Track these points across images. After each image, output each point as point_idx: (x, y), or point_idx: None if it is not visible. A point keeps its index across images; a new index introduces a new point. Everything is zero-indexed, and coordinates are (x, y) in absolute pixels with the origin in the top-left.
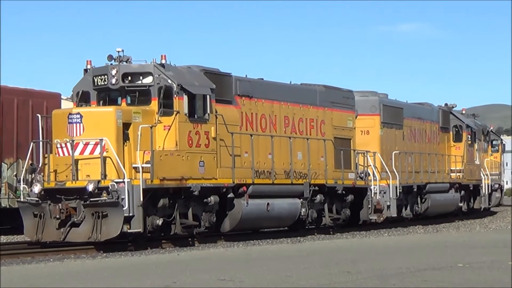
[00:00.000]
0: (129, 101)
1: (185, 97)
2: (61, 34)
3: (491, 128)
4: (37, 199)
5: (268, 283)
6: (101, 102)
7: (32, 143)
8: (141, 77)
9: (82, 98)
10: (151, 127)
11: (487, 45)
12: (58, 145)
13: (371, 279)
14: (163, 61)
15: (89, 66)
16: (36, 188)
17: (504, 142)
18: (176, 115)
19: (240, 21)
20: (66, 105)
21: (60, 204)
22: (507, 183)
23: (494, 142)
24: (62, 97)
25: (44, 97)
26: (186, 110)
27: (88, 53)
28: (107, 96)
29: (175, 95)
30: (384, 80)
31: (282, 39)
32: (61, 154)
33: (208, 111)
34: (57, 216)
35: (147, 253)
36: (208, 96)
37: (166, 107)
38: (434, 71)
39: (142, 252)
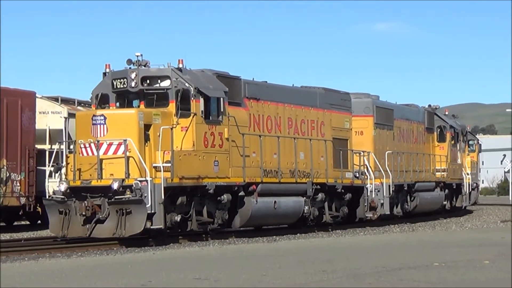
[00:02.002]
0: (146, 104)
1: (201, 100)
2: (57, 35)
3: (468, 128)
4: (62, 196)
5: (244, 282)
6: (118, 104)
7: (57, 143)
8: (159, 81)
9: (101, 101)
10: (171, 128)
11: (461, 44)
12: (82, 145)
13: (347, 278)
14: (180, 65)
15: (107, 70)
16: (62, 186)
17: (480, 142)
18: (193, 117)
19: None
20: (41, 103)
21: (85, 202)
22: (483, 182)
23: (470, 142)
24: (37, 95)
25: (18, 95)
26: (202, 112)
27: (80, 52)
28: (126, 99)
29: (192, 98)
30: (356, 79)
31: (259, 40)
32: (84, 154)
33: (222, 113)
34: (83, 213)
35: (122, 252)
36: (221, 99)
37: (183, 109)
38: (409, 70)
39: (118, 251)
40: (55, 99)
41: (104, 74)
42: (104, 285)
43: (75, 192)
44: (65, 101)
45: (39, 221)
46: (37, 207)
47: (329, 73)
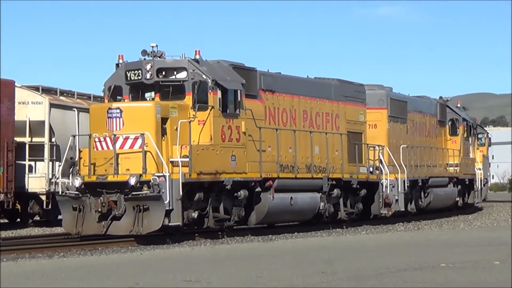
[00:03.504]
0: (161, 96)
1: (219, 92)
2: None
3: (478, 120)
4: (77, 192)
5: (238, 284)
6: (131, 96)
7: (71, 137)
8: (175, 72)
9: (114, 93)
10: (190, 122)
11: (469, 31)
12: (97, 139)
13: (348, 279)
14: (197, 57)
15: (121, 61)
16: (77, 182)
17: (490, 136)
18: (210, 110)
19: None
20: (20, 93)
21: (101, 198)
22: (493, 177)
23: (479, 135)
24: (16, 84)
25: None
26: (219, 105)
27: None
28: (140, 91)
29: (209, 90)
30: (360, 68)
31: (258, 28)
32: (99, 148)
33: (239, 106)
34: (99, 210)
35: (107, 252)
36: (239, 91)
37: (200, 102)
38: (415, 59)
39: (103, 251)
40: (36, 89)
41: (117, 65)
42: (88, 287)
43: (90, 187)
44: (47, 90)
45: (18, 219)
46: (16, 204)
47: (329, 62)
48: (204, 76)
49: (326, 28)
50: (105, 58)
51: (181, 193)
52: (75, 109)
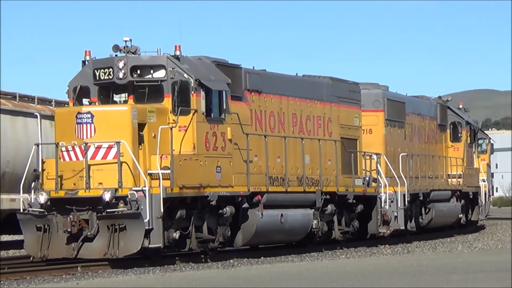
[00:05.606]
0: (135, 99)
1: (203, 94)
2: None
3: (480, 123)
4: (41, 210)
5: None
6: (101, 98)
7: (34, 146)
8: (152, 71)
9: (80, 94)
10: (171, 128)
11: (468, 18)
12: (64, 149)
13: None
14: (177, 53)
15: (88, 58)
16: (42, 198)
17: (492, 142)
18: (193, 114)
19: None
20: None
21: (71, 216)
22: (496, 190)
23: (480, 141)
24: None
25: None
26: (203, 109)
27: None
28: (111, 92)
29: (192, 92)
30: (342, 62)
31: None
32: (66, 159)
33: (225, 110)
34: (68, 230)
35: (36, 282)
36: (224, 92)
37: (182, 105)
38: (405, 50)
39: (31, 281)
40: None
41: (84, 62)
42: None
43: (57, 204)
44: None
45: None
46: None
47: (313, 56)
48: (185, 75)
49: (308, 17)
50: (69, 54)
51: (162, 210)
52: (37, 114)
